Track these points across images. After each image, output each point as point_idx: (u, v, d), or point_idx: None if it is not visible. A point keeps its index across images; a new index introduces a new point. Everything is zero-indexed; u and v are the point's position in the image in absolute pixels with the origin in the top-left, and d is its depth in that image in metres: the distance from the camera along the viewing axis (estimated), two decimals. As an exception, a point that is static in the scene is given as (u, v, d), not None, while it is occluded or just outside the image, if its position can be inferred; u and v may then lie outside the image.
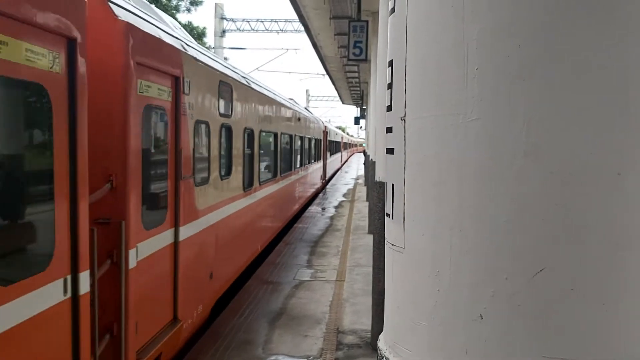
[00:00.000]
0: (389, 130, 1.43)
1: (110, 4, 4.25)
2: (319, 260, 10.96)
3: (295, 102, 17.68)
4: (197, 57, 6.18)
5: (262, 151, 10.08)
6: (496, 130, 1.16)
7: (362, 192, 25.47)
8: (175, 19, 27.53)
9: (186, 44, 5.95)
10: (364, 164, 32.27)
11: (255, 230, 9.86)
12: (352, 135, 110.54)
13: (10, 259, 3.01)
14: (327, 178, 27.94)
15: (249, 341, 6.51)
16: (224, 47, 29.19)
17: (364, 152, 38.50)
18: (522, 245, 1.14)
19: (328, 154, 27.92)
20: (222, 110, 7.22)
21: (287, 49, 30.34)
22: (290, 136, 13.92)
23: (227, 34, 29.63)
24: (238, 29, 30.03)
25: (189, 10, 28.72)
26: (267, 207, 10.88)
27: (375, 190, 6.50)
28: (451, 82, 1.21)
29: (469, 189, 1.19)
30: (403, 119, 1.34)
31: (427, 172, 1.27)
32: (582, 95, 1.11)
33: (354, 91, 37.17)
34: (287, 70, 68.23)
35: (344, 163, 51.73)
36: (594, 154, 1.12)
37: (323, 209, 19.44)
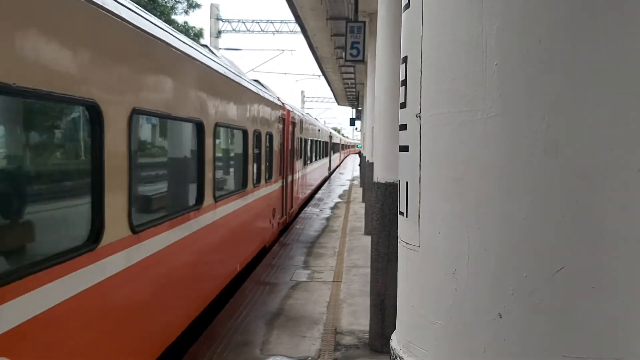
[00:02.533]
0: (403, 127, 1.41)
1: (283, 102, 12.97)
2: (315, 261, 10.94)
3: (309, 113, 28.07)
4: (294, 110, 15.27)
5: (308, 149, 20.49)
6: (515, 126, 1.14)
7: (358, 193, 25.46)
8: (172, 20, 27.44)
9: (290, 105, 14.99)
10: (359, 165, 32.62)
11: (309, 181, 21.19)
12: (347, 137, 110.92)
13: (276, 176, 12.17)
14: (331, 170, 39.49)
15: (247, 342, 6.48)
16: (220, 48, 29.14)
17: (359, 154, 39.62)
18: (542, 242, 1.13)
19: (332, 152, 39.52)
20: (301, 131, 17.28)
21: (283, 50, 30.38)
22: (317, 141, 24.72)
23: (222, 35, 29.57)
24: (234, 30, 30.00)
25: (186, 12, 28.60)
26: (310, 174, 22.01)
27: (374, 191, 6.48)
28: (469, 77, 1.19)
29: (488, 186, 1.17)
30: (418, 116, 1.33)
31: (443, 170, 1.26)
32: (602, 91, 1.10)
33: (350, 92, 37.17)
34: (282, 72, 68.19)
35: (341, 162, 65.01)
36: (615, 151, 1.10)
37: (319, 210, 19.44)
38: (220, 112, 6.82)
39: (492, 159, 1.17)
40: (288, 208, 14.39)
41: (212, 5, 28.75)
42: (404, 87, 1.41)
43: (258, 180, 9.74)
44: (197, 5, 28.67)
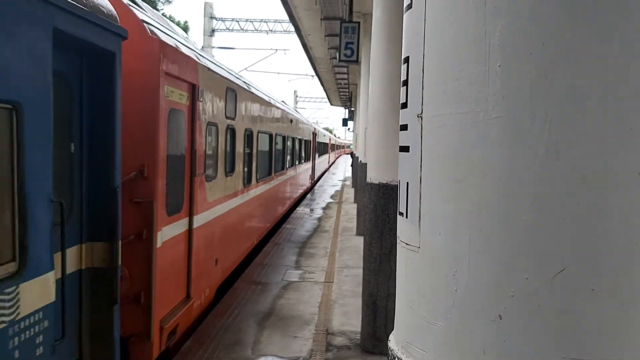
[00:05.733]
0: (404, 127, 1.41)
1: (312, 124, 30.67)
2: (307, 262, 10.93)
3: (316, 122, 44.67)
4: (317, 127, 33.02)
5: (320, 147, 34.37)
6: (517, 128, 1.14)
7: (350, 193, 25.49)
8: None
9: (316, 124, 38.78)
10: (352, 165, 33.19)
11: (320, 165, 35.40)
12: (339, 137, 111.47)
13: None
14: (330, 162, 54.11)
15: (238, 342, 6.46)
16: (213, 47, 29.03)
17: (352, 154, 40.81)
18: (543, 245, 1.13)
19: (330, 150, 53.87)
20: (318, 138, 31.63)
21: (277, 50, 30.32)
22: (324, 143, 37.59)
23: (216, 34, 29.46)
24: (227, 29, 29.89)
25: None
26: (321, 162, 35.63)
27: (367, 192, 6.48)
28: (472, 79, 1.19)
29: (489, 188, 1.17)
30: (420, 116, 1.33)
31: (445, 171, 1.25)
32: (605, 95, 1.10)
33: (343, 93, 37.20)
34: (276, 71, 68.09)
35: (336, 159, 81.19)
36: (616, 154, 1.11)
37: (311, 210, 19.44)
38: (303, 133, 20.19)
39: (493, 160, 1.17)
40: (313, 177, 26.58)
41: (205, 3, 28.63)
42: (405, 87, 1.41)
43: (308, 159, 22.47)
44: None
